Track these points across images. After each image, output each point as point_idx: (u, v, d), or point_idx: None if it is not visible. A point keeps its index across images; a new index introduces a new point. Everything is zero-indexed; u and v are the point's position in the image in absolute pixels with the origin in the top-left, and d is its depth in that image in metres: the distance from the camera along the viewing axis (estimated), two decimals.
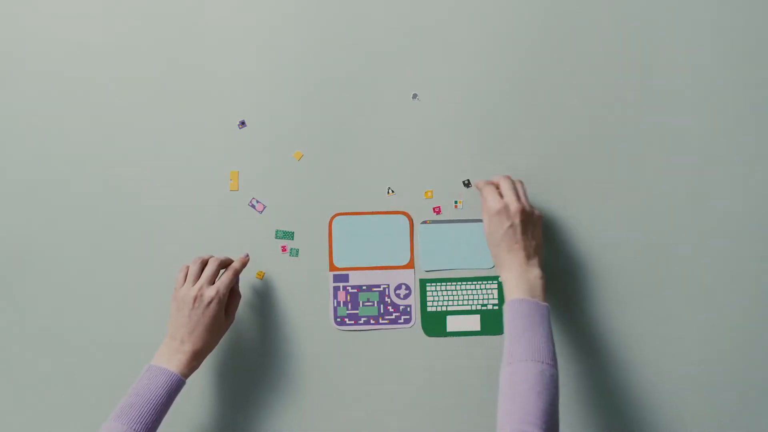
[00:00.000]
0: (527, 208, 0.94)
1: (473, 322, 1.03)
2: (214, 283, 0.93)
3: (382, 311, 1.03)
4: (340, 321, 1.03)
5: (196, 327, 0.91)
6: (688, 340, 1.04)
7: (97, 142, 1.01)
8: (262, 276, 1.02)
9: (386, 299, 1.03)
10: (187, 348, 0.90)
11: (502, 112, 1.03)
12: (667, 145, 1.03)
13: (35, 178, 1.01)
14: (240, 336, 1.02)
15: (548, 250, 1.03)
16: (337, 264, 1.03)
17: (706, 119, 1.04)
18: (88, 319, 1.01)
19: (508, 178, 0.97)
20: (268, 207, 1.02)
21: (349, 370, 1.03)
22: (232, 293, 0.96)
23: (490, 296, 1.03)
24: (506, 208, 0.93)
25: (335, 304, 1.03)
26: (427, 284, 1.03)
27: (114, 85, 1.01)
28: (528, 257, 0.93)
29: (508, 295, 0.92)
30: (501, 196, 0.95)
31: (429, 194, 1.03)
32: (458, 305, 1.03)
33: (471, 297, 1.03)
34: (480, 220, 1.02)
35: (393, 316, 1.03)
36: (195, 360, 0.91)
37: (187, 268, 0.95)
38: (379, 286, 1.03)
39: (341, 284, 1.03)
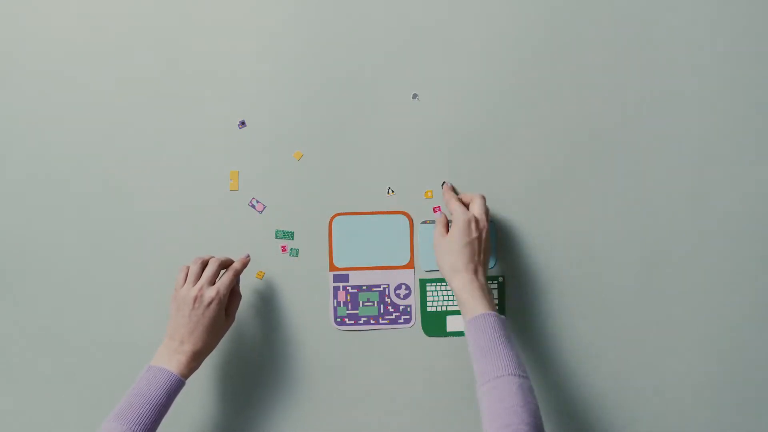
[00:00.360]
0: (487, 225, 0.96)
1: None
2: (214, 283, 0.93)
3: (382, 311, 1.03)
4: (340, 321, 1.03)
5: (196, 327, 0.91)
6: (687, 340, 1.04)
7: (96, 142, 1.01)
8: (262, 276, 1.02)
9: (386, 299, 1.03)
10: (187, 348, 0.90)
11: (502, 112, 1.02)
12: (667, 145, 1.03)
13: (35, 178, 1.00)
14: (240, 336, 1.02)
15: (548, 250, 1.03)
16: (337, 264, 1.03)
17: (706, 119, 1.03)
18: (88, 319, 1.01)
19: (483, 198, 0.98)
20: (268, 207, 1.02)
21: (349, 370, 1.03)
22: (232, 294, 0.96)
23: None
24: (476, 219, 0.95)
25: (335, 304, 1.03)
26: (427, 284, 1.03)
27: (114, 85, 1.00)
28: (484, 271, 0.94)
29: (472, 309, 0.90)
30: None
31: (429, 194, 1.03)
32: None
33: None
34: None
35: (393, 316, 1.03)
36: (195, 360, 0.91)
37: (188, 268, 0.95)
38: (379, 286, 1.03)
39: (341, 284, 1.03)
